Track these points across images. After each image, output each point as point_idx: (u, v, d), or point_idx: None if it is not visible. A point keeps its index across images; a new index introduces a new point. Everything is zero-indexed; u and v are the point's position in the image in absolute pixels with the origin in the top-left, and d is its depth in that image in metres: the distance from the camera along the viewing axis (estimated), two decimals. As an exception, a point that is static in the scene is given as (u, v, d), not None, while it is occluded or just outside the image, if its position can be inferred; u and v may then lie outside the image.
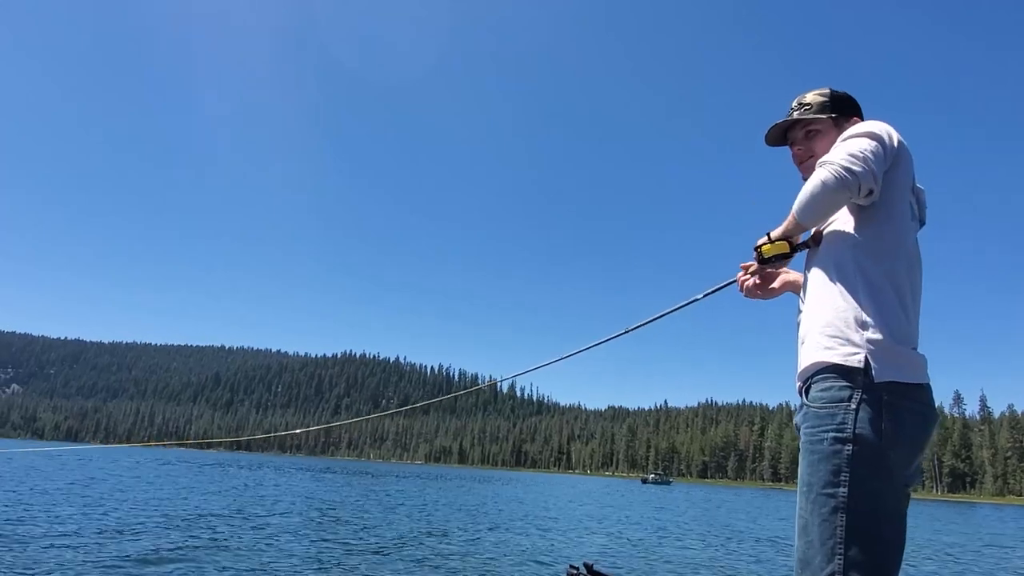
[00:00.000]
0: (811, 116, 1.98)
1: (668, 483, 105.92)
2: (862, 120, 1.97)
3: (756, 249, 1.94)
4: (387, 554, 9.72)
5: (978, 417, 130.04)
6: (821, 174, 1.70)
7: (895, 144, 1.77)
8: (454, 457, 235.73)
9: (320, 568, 8.17)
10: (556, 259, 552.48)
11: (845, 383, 1.63)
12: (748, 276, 2.07)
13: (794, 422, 1.83)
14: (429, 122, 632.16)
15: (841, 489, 1.56)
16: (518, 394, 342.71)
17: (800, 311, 1.90)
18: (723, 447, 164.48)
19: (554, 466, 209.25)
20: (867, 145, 1.71)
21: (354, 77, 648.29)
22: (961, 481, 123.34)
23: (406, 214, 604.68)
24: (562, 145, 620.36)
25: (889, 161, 1.74)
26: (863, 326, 1.66)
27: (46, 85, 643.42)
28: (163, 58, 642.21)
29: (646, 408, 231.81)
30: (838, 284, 1.74)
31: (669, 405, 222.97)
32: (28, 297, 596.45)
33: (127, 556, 7.93)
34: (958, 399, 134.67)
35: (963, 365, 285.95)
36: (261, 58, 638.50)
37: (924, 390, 1.67)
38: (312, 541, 10.54)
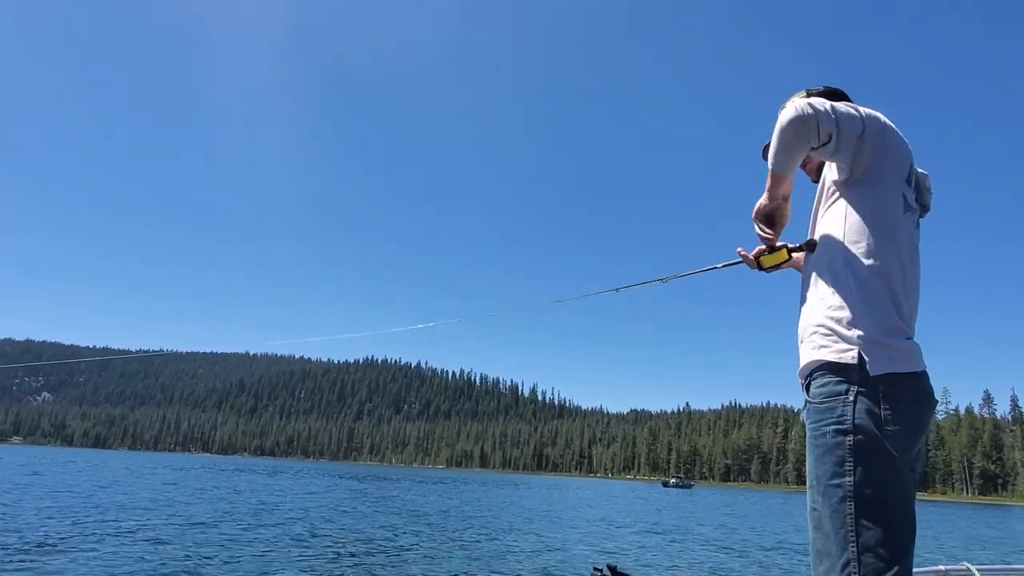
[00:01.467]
0: None
1: (690, 486, 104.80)
2: None
3: (756, 259, 2.01)
4: (408, 560, 9.67)
5: (1009, 418, 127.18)
6: (783, 112, 1.75)
7: (879, 123, 1.78)
8: (475, 461, 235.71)
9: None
10: (576, 256, 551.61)
11: (842, 378, 1.69)
12: (756, 228, 2.04)
13: (802, 419, 1.89)
14: (446, 119, 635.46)
15: (847, 478, 1.61)
16: (540, 398, 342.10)
17: (799, 308, 1.95)
18: (746, 450, 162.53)
19: (576, 470, 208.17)
20: (822, 101, 1.74)
21: (361, 73, 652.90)
22: (992, 483, 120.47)
23: (424, 215, 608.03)
24: (575, 142, 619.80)
25: (859, 129, 1.74)
26: (854, 323, 1.70)
27: (62, 86, 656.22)
28: (170, 55, 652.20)
29: (669, 411, 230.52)
30: (830, 283, 1.79)
31: (692, 408, 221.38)
32: (57, 307, 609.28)
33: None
34: (988, 399, 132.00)
35: (993, 365, 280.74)
36: (266, 56, 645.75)
37: (920, 377, 1.71)
38: (322, 549, 10.49)
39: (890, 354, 1.68)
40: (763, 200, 1.94)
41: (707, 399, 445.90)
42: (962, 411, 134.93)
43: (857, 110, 1.76)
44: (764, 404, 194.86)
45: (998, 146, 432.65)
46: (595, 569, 3.02)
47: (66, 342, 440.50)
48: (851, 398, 1.65)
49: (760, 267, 2.01)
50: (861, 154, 1.76)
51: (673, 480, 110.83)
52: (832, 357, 1.71)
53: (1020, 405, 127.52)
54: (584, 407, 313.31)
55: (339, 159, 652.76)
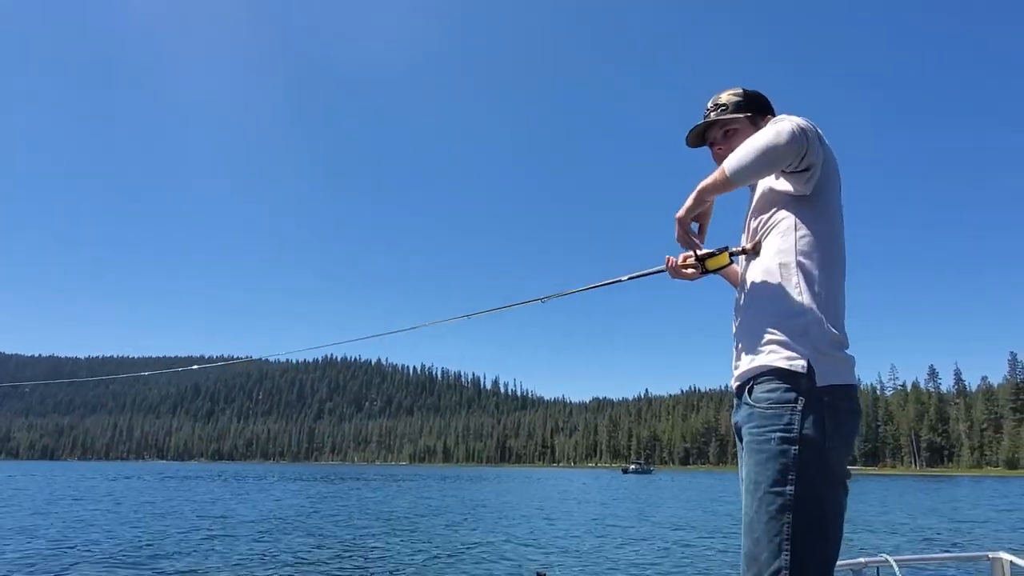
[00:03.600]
0: (728, 116, 2.03)
1: (649, 472, 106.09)
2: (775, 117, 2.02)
3: (699, 260, 1.97)
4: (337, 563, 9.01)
5: (954, 391, 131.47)
6: (780, 124, 1.71)
7: (823, 140, 1.81)
8: (438, 456, 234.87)
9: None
10: (540, 249, 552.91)
11: (789, 386, 1.69)
12: (678, 232, 1.95)
13: (733, 421, 1.89)
14: (407, 116, 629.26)
15: (789, 488, 1.61)
16: (502, 390, 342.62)
17: (737, 310, 1.95)
18: (704, 433, 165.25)
19: (539, 460, 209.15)
20: (810, 125, 1.74)
21: (332, 73, 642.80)
22: (939, 455, 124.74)
23: (379, 210, 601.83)
24: (543, 139, 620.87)
25: (824, 155, 1.79)
26: (806, 331, 1.71)
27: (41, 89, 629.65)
28: (133, 60, 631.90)
29: (630, 398, 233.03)
30: (780, 291, 1.78)
31: (651, 394, 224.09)
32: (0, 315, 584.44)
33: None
34: (933, 374, 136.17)
35: (936, 340, 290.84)
36: (237, 57, 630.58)
37: (855, 390, 1.75)
38: (271, 554, 9.74)
39: (836, 365, 1.70)
40: (691, 202, 1.86)
41: (667, 385, 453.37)
42: (908, 386, 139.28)
43: (815, 129, 1.76)
44: (723, 387, 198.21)
45: (934, 132, 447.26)
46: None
47: (8, 351, 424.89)
48: (799, 407, 1.66)
49: (703, 269, 1.99)
50: (818, 175, 1.78)
51: (633, 466, 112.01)
52: (782, 364, 1.71)
53: (963, 379, 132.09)
54: (547, 397, 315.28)
55: (301, 160, 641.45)
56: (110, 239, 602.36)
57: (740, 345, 1.88)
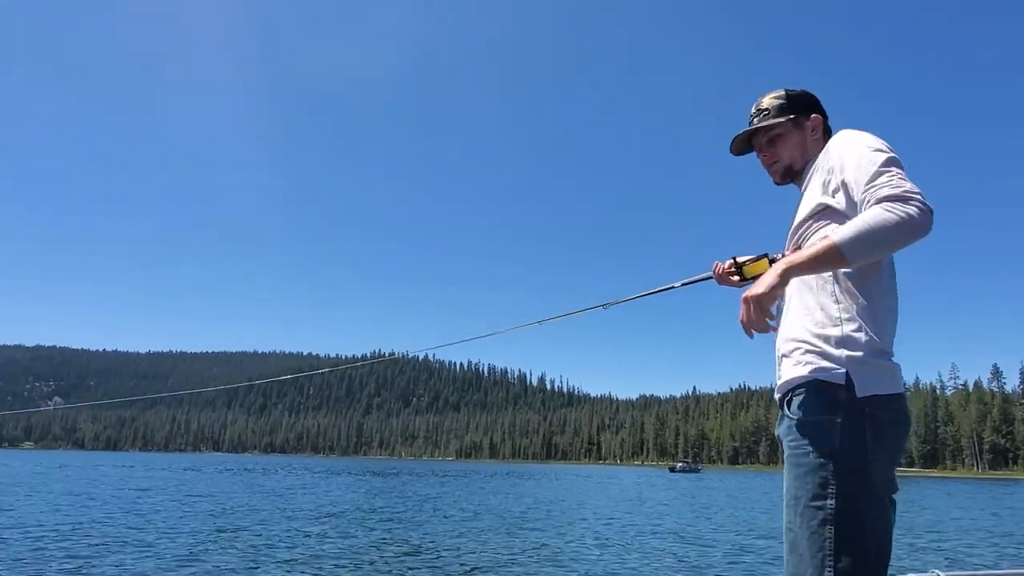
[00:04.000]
0: (771, 122, 1.97)
1: (697, 471, 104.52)
2: (821, 115, 1.99)
3: (738, 266, 1.93)
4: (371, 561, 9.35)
5: (1019, 391, 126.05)
6: (910, 213, 1.54)
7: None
8: (485, 452, 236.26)
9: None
10: (580, 247, 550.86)
11: (828, 398, 1.65)
12: (752, 314, 1.71)
13: (776, 434, 1.86)
14: (454, 109, 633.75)
15: (829, 502, 1.59)
16: (548, 387, 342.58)
17: (778, 319, 1.88)
18: (754, 432, 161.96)
19: (585, 457, 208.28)
20: (902, 173, 1.63)
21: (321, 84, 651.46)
22: (1003, 457, 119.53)
23: (428, 206, 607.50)
24: (572, 132, 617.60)
25: None
26: (844, 342, 1.67)
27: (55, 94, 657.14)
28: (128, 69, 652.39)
29: (677, 396, 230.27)
30: (819, 299, 1.74)
31: (699, 391, 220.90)
32: (67, 311, 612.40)
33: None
34: (997, 373, 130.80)
35: (1001, 339, 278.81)
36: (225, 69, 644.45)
37: (901, 399, 1.69)
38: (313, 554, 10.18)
39: (877, 375, 1.65)
40: (774, 281, 1.66)
41: (715, 383, 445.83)
42: (971, 386, 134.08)
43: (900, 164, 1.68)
44: (773, 386, 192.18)
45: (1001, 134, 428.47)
46: None
47: (75, 346, 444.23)
48: (837, 419, 1.62)
49: (742, 277, 1.96)
50: None
51: (680, 465, 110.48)
52: (819, 375, 1.67)
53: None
54: (593, 394, 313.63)
55: (339, 156, 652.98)
56: (160, 240, 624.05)
57: (780, 355, 1.85)
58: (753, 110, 2.05)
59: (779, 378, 1.83)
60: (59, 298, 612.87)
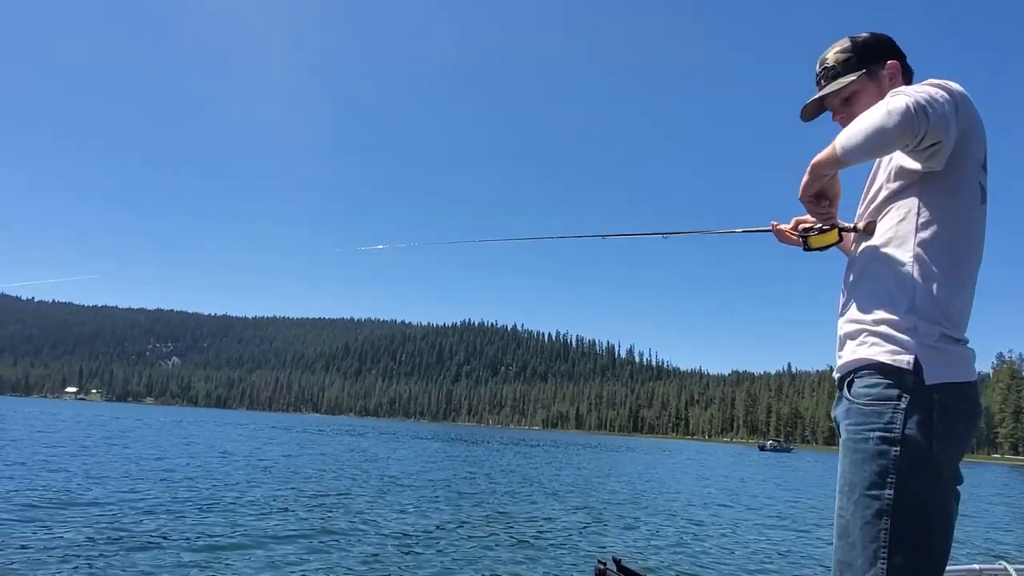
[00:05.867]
0: (842, 82, 1.79)
1: (788, 450, 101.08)
2: (900, 60, 1.80)
3: (802, 236, 1.85)
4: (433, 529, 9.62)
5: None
6: (892, 102, 1.48)
7: (969, 110, 1.59)
8: (571, 423, 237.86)
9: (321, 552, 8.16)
10: (671, 215, 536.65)
11: (892, 382, 1.56)
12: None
13: (833, 415, 1.78)
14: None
15: (887, 491, 1.51)
16: (637, 359, 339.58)
17: (842, 293, 1.79)
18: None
19: (672, 432, 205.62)
20: (942, 95, 1.50)
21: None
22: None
23: (515, 179, 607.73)
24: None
25: (960, 126, 1.55)
26: (915, 326, 1.56)
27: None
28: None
29: (771, 372, 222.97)
30: (889, 278, 1.63)
31: (794, 369, 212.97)
32: (185, 277, 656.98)
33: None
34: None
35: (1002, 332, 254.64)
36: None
37: (973, 387, 1.59)
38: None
39: (948, 361, 1.55)
40: (807, 180, 1.68)
41: (812, 360, 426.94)
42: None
43: (956, 100, 1.53)
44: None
45: None
46: (600, 562, 2.83)
47: (190, 310, 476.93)
48: (903, 405, 1.53)
49: (806, 246, 1.84)
50: (949, 151, 1.55)
51: (770, 443, 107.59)
52: (884, 358, 1.58)
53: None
54: (683, 368, 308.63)
55: (428, 131, 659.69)
56: (278, 217, 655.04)
57: (843, 333, 1.74)
58: (818, 68, 1.86)
59: (840, 358, 1.74)
60: (179, 266, 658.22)
